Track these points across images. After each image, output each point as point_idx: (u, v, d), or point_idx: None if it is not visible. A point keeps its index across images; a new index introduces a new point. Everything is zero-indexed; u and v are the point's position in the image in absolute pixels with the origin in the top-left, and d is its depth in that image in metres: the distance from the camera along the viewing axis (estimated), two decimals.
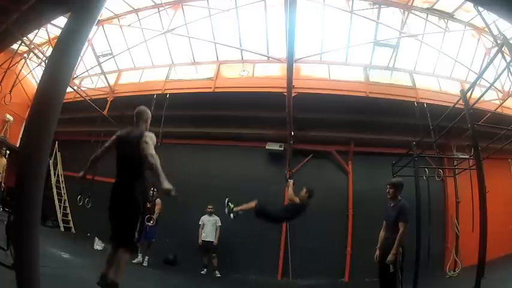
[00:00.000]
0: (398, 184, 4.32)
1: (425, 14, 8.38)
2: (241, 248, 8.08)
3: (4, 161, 7.72)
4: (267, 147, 8.83)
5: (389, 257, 3.97)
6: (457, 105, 5.65)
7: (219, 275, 7.37)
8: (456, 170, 7.69)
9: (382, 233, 4.38)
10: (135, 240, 2.92)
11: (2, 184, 7.57)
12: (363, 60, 9.05)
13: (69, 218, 9.74)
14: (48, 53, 8.75)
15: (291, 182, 6.11)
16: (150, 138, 2.95)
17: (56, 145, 10.06)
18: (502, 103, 7.73)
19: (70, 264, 5.14)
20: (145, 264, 7.11)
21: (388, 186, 4.36)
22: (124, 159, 3.04)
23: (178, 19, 8.93)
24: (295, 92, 7.76)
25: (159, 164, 2.74)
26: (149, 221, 7.12)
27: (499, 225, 6.32)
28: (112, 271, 2.78)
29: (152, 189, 7.27)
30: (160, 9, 9.13)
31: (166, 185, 2.60)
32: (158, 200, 7.36)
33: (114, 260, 2.82)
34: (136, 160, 2.91)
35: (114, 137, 3.21)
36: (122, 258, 2.84)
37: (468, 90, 5.55)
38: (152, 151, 2.84)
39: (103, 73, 9.73)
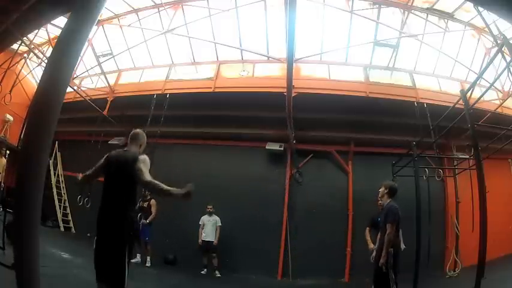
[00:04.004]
0: (386, 185, 4.39)
1: (425, 14, 8.37)
2: (241, 248, 8.08)
3: (4, 161, 7.71)
4: (267, 147, 8.83)
5: (381, 260, 4.02)
6: (457, 105, 5.65)
7: (219, 275, 7.37)
8: (456, 170, 7.69)
9: (378, 235, 4.46)
10: (126, 277, 2.62)
11: (2, 184, 7.57)
12: (363, 60, 9.05)
13: (69, 218, 9.74)
14: (48, 53, 8.74)
15: None
16: (144, 163, 2.74)
17: (56, 145, 10.05)
18: (502, 103, 7.74)
19: (70, 264, 5.15)
20: (148, 264, 7.11)
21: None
22: (113, 185, 2.77)
23: (178, 19, 8.93)
24: (295, 92, 7.75)
25: (161, 184, 2.60)
26: (141, 220, 7.09)
27: (499, 225, 6.33)
28: None
29: (143, 190, 7.23)
30: (160, 9, 9.13)
31: (181, 191, 2.53)
32: (153, 201, 7.36)
33: None
34: (127, 185, 2.72)
35: (104, 158, 2.94)
36: None
37: (468, 90, 5.55)
38: (148, 177, 2.67)
39: (103, 73, 9.73)
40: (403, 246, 5.32)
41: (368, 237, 5.41)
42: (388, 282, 4.01)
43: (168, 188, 2.59)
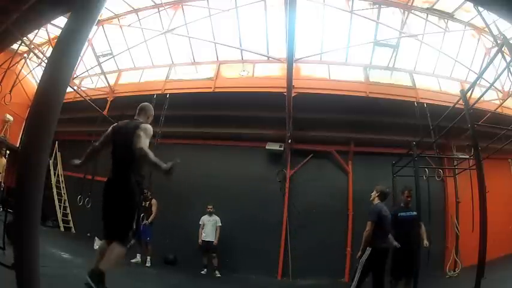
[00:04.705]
0: (378, 189, 4.58)
1: (425, 14, 8.38)
2: (241, 248, 8.08)
3: (4, 161, 7.72)
4: (267, 147, 8.84)
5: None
6: (457, 105, 5.66)
7: (219, 275, 7.37)
8: (456, 170, 7.69)
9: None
10: (131, 235, 2.78)
11: (2, 184, 7.57)
12: (363, 60, 9.05)
13: (69, 218, 9.74)
14: (48, 53, 8.75)
15: None
16: (145, 131, 2.83)
17: (56, 145, 10.05)
18: (502, 103, 7.73)
19: (70, 264, 5.14)
20: (148, 264, 7.11)
21: None
22: (119, 151, 2.91)
23: (178, 19, 8.94)
24: (295, 92, 7.76)
25: (150, 154, 2.64)
26: (143, 220, 7.11)
27: (499, 225, 6.33)
28: (101, 262, 2.62)
29: (146, 191, 7.23)
30: (160, 9, 9.13)
31: (165, 166, 2.53)
32: (154, 201, 7.36)
33: (106, 253, 2.69)
34: (133, 152, 2.78)
35: (110, 128, 3.09)
36: (113, 251, 2.68)
37: (468, 90, 5.55)
38: (142, 144, 2.71)
39: (103, 73, 9.74)
40: (426, 243, 5.06)
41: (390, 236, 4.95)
42: (378, 280, 4.21)
43: (154, 159, 2.64)
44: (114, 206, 2.81)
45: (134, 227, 2.82)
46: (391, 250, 4.67)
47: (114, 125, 3.11)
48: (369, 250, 4.22)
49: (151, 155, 2.66)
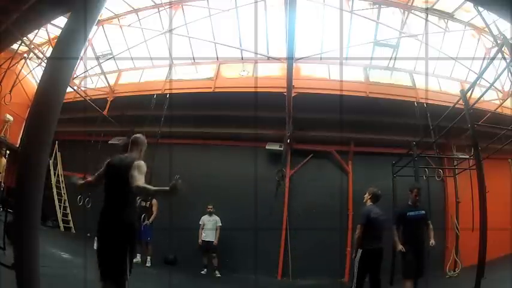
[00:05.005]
0: (370, 191, 4.71)
1: (425, 14, 8.38)
2: (241, 248, 8.08)
3: (4, 161, 7.72)
4: (267, 147, 8.83)
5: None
6: (457, 105, 5.66)
7: (219, 275, 7.37)
8: (456, 170, 7.69)
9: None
10: (126, 277, 2.73)
11: (2, 184, 7.57)
12: (363, 60, 9.05)
13: (69, 218, 9.73)
14: (48, 53, 8.74)
15: None
16: (139, 169, 2.76)
17: (56, 145, 10.04)
18: (502, 103, 7.73)
19: (70, 264, 5.15)
20: (148, 264, 7.12)
21: None
22: (112, 188, 2.88)
23: (178, 19, 8.94)
24: (295, 92, 7.76)
25: (148, 187, 2.65)
26: (144, 221, 7.13)
27: (499, 225, 6.33)
28: None
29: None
30: (160, 9, 9.13)
31: (167, 188, 2.50)
32: (154, 201, 7.39)
33: None
34: (125, 190, 2.75)
35: (104, 164, 3.02)
36: None
37: (468, 90, 5.56)
38: (138, 182, 2.67)
39: (103, 73, 9.74)
40: (432, 242, 4.76)
41: (396, 238, 4.59)
42: (374, 280, 4.36)
43: (155, 188, 2.65)
44: (105, 245, 2.78)
45: (128, 270, 2.76)
46: (395, 251, 4.68)
47: (108, 161, 3.03)
48: (359, 252, 4.31)
49: (149, 187, 2.65)
